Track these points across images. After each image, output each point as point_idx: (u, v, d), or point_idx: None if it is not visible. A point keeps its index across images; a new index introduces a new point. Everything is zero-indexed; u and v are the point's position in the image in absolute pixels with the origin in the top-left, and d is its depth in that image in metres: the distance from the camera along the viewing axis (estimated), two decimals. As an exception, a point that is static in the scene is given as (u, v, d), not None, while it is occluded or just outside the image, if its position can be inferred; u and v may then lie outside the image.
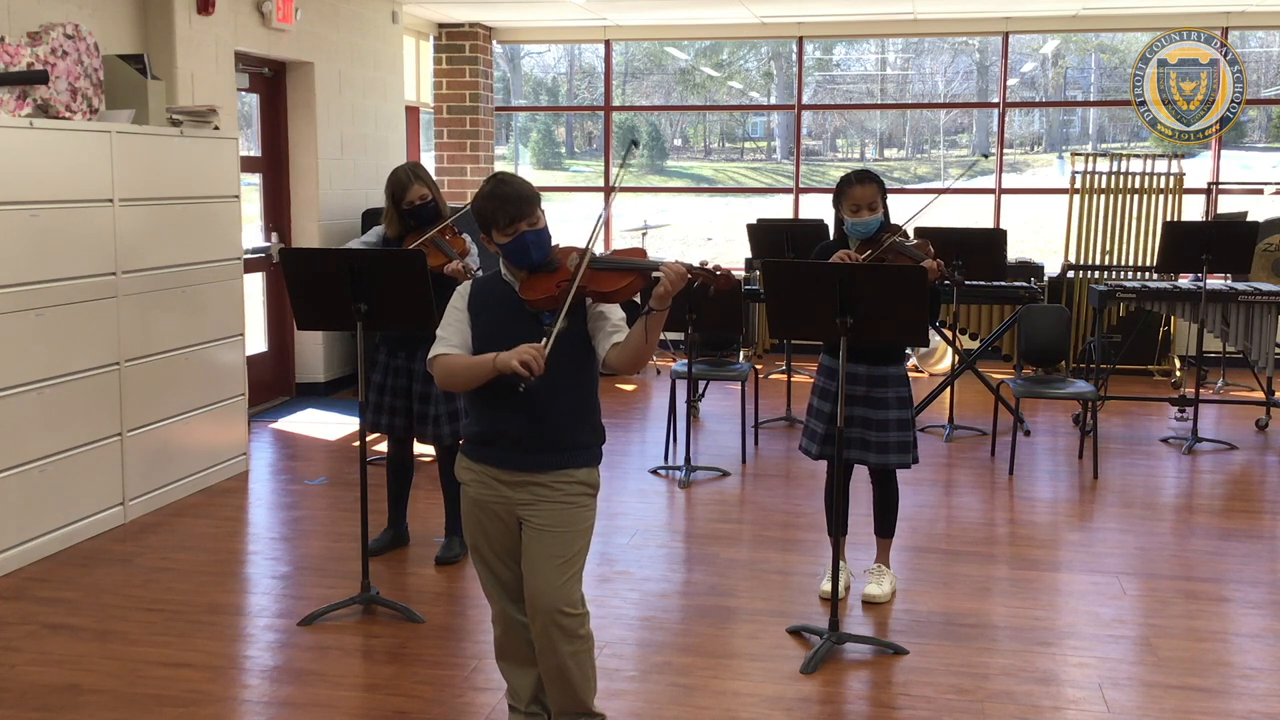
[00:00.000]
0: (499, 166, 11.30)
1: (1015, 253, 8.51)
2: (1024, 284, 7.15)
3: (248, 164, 7.26)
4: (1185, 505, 5.64)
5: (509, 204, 2.78)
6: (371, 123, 8.45)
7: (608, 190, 2.93)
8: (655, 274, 2.68)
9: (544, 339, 2.66)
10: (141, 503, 5.23)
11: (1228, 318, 6.74)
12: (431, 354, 2.87)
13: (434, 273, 4.35)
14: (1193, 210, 9.26)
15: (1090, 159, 8.92)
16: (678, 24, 10.09)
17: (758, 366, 7.54)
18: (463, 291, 2.92)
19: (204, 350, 5.65)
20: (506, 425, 2.82)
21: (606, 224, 10.15)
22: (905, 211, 4.39)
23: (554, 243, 2.87)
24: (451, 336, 2.86)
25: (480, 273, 4.44)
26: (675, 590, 4.39)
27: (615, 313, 2.83)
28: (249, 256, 6.98)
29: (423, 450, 5.47)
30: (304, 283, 3.97)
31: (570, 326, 2.75)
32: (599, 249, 2.84)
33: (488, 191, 2.82)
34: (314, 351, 7.94)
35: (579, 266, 2.71)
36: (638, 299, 2.79)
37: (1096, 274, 8.80)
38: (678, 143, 19.44)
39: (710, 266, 2.74)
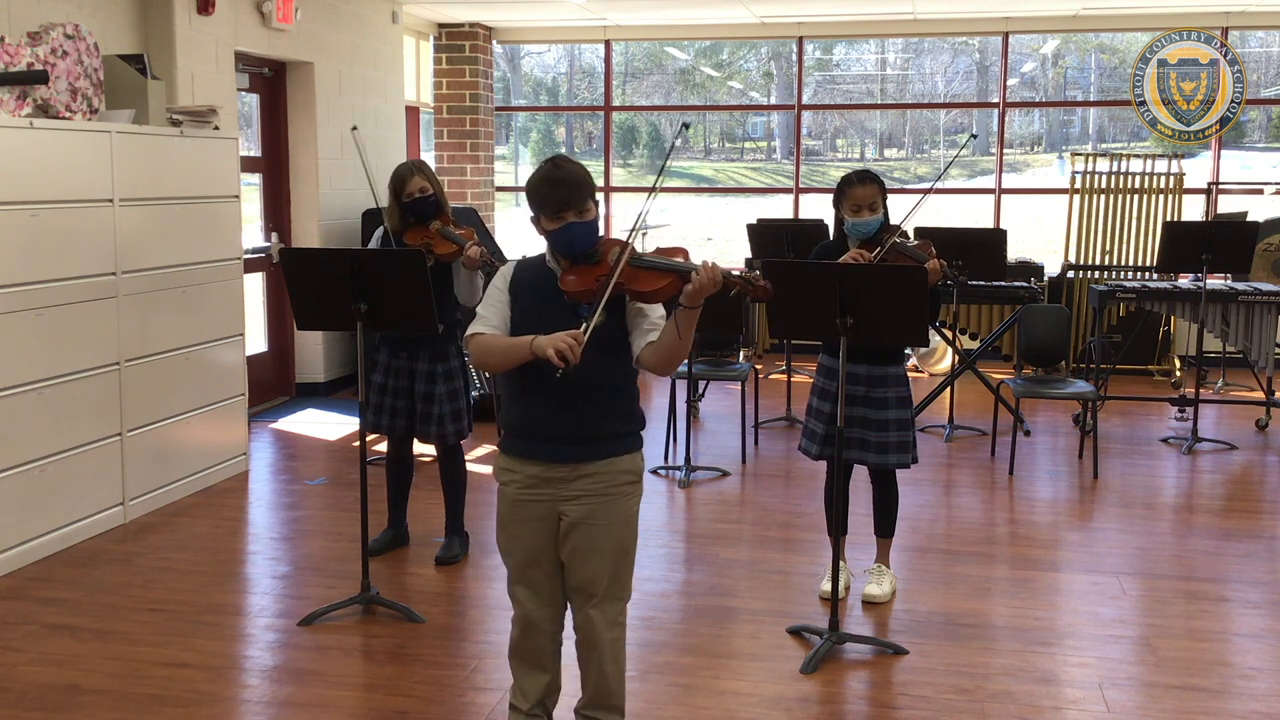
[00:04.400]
0: (499, 166, 11.30)
1: (1015, 253, 8.51)
2: (1024, 284, 7.16)
3: (248, 164, 7.26)
4: (1185, 505, 5.64)
5: (560, 189, 2.72)
6: (371, 123, 8.44)
7: (653, 189, 2.91)
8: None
9: (584, 324, 2.62)
10: (141, 503, 5.23)
11: (1228, 318, 6.74)
12: (469, 331, 2.83)
13: (445, 262, 4.35)
14: (1193, 210, 9.26)
15: (1090, 159, 8.92)
16: (678, 24, 10.09)
17: (758, 366, 7.53)
18: (505, 273, 2.87)
19: (204, 350, 5.65)
20: (546, 418, 2.78)
21: (608, 221, 10.15)
22: (903, 212, 4.38)
23: (600, 234, 2.82)
24: (491, 316, 2.82)
25: (495, 256, 4.45)
26: (675, 590, 4.38)
27: (654, 311, 2.78)
28: (249, 256, 6.98)
29: (422, 450, 5.46)
30: (304, 283, 3.97)
31: (608, 321, 2.70)
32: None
33: (542, 175, 2.76)
34: (314, 351, 7.94)
35: (618, 262, 2.67)
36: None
37: (1096, 274, 8.80)
38: (678, 143, 19.45)
39: (751, 276, 2.70)
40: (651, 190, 2.83)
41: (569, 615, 2.95)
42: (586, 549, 2.83)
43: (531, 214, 2.81)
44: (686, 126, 3.21)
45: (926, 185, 4.30)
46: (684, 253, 2.80)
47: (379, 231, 4.62)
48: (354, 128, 5.00)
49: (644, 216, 2.81)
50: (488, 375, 7.12)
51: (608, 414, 2.81)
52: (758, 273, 2.74)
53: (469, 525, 4.86)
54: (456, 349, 4.56)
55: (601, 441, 2.80)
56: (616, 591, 2.88)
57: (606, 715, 2.95)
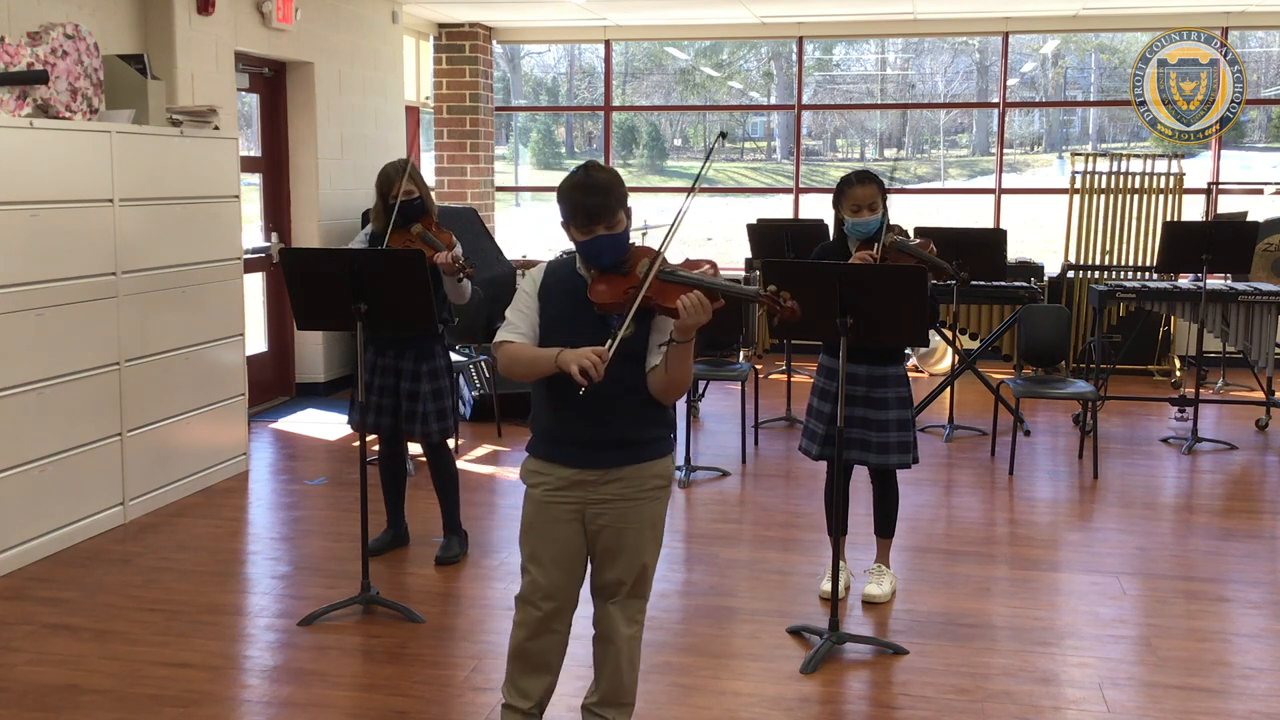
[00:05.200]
0: (499, 166, 11.30)
1: (1015, 253, 8.51)
2: (1024, 284, 7.15)
3: (248, 164, 7.26)
4: (1185, 505, 5.64)
5: (591, 197, 2.68)
6: (371, 123, 8.44)
7: (692, 189, 2.86)
8: (720, 297, 2.59)
9: (608, 340, 2.59)
10: (141, 503, 5.23)
11: (1228, 318, 6.74)
12: (498, 338, 2.81)
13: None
14: (1193, 210, 9.27)
15: (1090, 159, 8.92)
16: (678, 24, 10.09)
17: (758, 366, 7.53)
18: (535, 277, 2.84)
19: (204, 350, 5.65)
20: (576, 424, 2.77)
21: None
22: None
23: (630, 243, 2.77)
24: (520, 323, 2.79)
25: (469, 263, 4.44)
26: (675, 590, 4.38)
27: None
28: (249, 256, 6.98)
29: (419, 449, 5.46)
30: (304, 283, 3.97)
31: (638, 330, 2.68)
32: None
33: (575, 182, 2.72)
34: (314, 351, 7.94)
35: (647, 275, 2.63)
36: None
37: (1096, 274, 8.80)
38: (678, 143, 19.43)
39: (780, 295, 2.67)
40: (690, 190, 2.78)
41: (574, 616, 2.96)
42: (614, 551, 2.84)
43: (562, 219, 2.77)
44: (724, 135, 3.14)
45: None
46: (712, 266, 2.75)
47: (361, 234, 4.60)
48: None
49: (679, 221, 2.76)
50: (487, 375, 7.12)
51: (638, 420, 2.80)
52: (786, 293, 2.69)
53: (467, 525, 4.86)
54: (443, 348, 4.56)
55: (632, 446, 2.80)
56: (639, 590, 2.89)
57: (617, 712, 2.96)
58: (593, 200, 2.69)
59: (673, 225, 2.76)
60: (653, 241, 2.81)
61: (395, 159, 4.65)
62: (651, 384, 2.73)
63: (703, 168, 2.99)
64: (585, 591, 2.95)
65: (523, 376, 2.79)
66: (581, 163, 2.82)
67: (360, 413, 4.17)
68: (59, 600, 4.23)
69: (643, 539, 2.85)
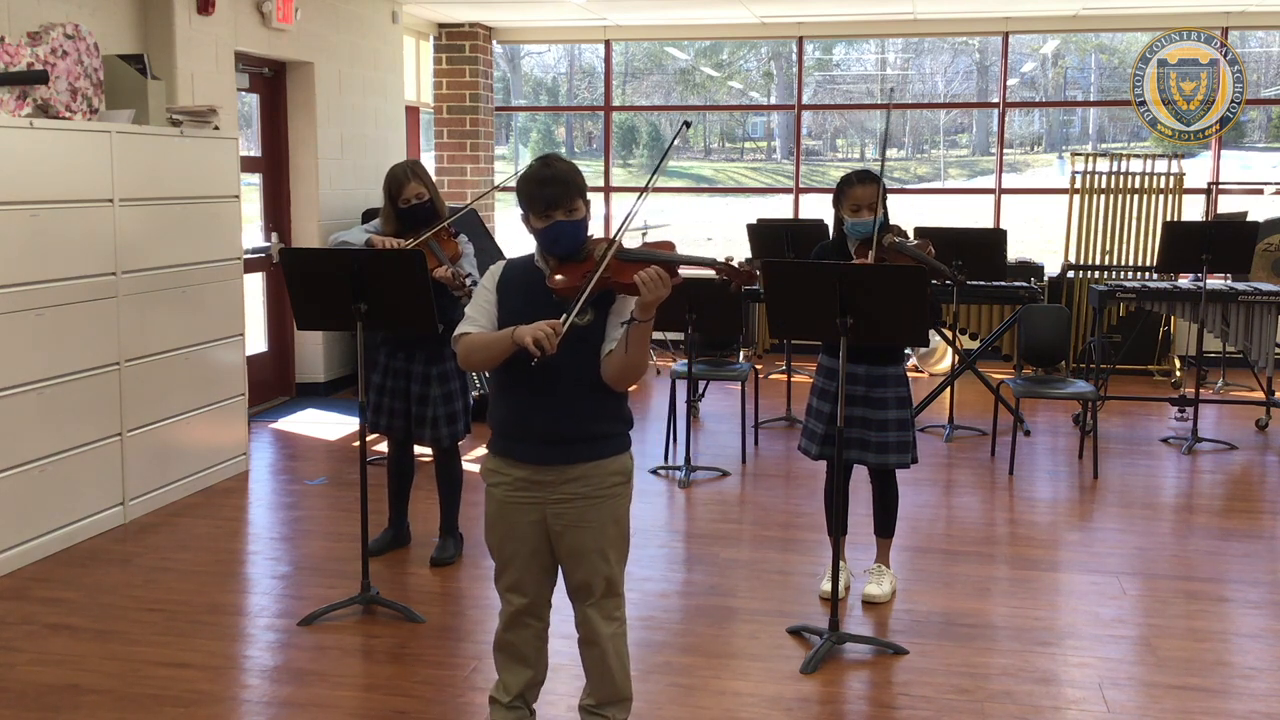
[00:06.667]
0: (499, 166, 11.30)
1: (1015, 253, 8.51)
2: (1024, 284, 7.15)
3: (248, 164, 7.26)
4: (1185, 505, 5.64)
5: (547, 187, 2.72)
6: (371, 123, 8.45)
7: (645, 188, 2.89)
8: (677, 273, 2.62)
9: (564, 315, 2.60)
10: (141, 503, 5.23)
11: (1228, 318, 6.74)
12: (456, 332, 2.83)
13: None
14: (1193, 210, 9.27)
15: (1090, 159, 8.92)
16: (678, 24, 10.09)
17: (758, 366, 7.54)
18: (494, 272, 2.86)
19: (204, 350, 5.65)
20: (533, 418, 2.78)
21: (607, 221, 10.15)
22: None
23: (589, 234, 2.80)
24: (479, 317, 2.82)
25: (471, 279, 4.40)
26: (675, 590, 4.39)
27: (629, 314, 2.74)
28: (249, 256, 6.98)
29: (424, 450, 5.46)
30: (304, 283, 3.97)
31: (595, 316, 2.70)
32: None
33: (530, 173, 2.76)
34: (314, 351, 7.94)
35: (604, 255, 2.65)
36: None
37: (1096, 274, 8.80)
38: (678, 143, 19.47)
39: (735, 262, 2.68)
40: (644, 190, 2.82)
41: (553, 612, 2.97)
42: (579, 552, 2.83)
43: (521, 212, 2.81)
44: (688, 125, 3.17)
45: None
46: (670, 246, 2.78)
47: (360, 228, 4.53)
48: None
49: (634, 214, 2.79)
50: (486, 375, 7.11)
51: (595, 414, 2.80)
52: (742, 260, 2.73)
53: (467, 525, 4.86)
54: (453, 350, 4.54)
55: (589, 442, 2.79)
56: (611, 589, 2.89)
57: (614, 710, 2.96)
58: (550, 189, 2.72)
59: (630, 214, 2.77)
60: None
61: (401, 160, 4.61)
62: (607, 369, 2.72)
63: (663, 158, 3.01)
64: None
65: (481, 364, 2.82)
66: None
67: (360, 410, 4.16)
68: (59, 600, 4.23)
69: (605, 537, 2.83)
